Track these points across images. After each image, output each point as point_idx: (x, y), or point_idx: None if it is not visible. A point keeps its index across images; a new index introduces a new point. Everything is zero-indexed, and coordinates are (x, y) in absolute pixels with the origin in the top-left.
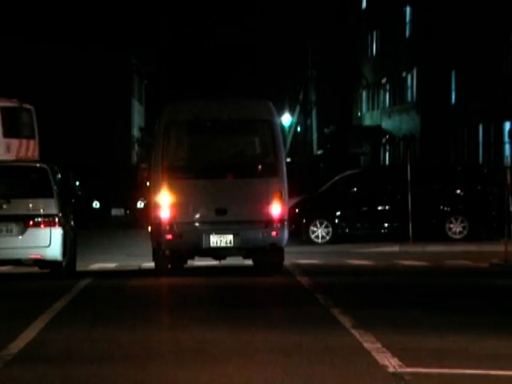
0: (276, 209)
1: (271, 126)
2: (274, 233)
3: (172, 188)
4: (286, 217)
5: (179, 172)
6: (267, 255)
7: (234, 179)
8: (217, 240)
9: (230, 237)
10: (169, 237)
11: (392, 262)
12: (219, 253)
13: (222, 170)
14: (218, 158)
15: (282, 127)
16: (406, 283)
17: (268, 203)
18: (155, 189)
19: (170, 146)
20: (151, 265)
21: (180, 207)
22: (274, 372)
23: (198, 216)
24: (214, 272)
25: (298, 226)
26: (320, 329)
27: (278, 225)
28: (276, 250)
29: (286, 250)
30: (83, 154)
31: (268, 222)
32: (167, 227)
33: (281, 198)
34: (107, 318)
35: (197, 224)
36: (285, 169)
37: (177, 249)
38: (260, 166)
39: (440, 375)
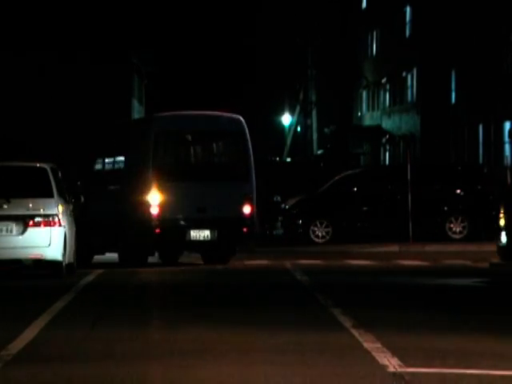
0: (247, 208)
1: (243, 138)
2: (245, 229)
3: (160, 189)
4: (254, 215)
5: (167, 175)
6: (239, 245)
7: (213, 182)
8: (196, 234)
9: (208, 232)
10: (157, 231)
11: (392, 261)
12: (198, 245)
13: (203, 174)
14: (199, 163)
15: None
16: (406, 283)
17: (240, 203)
18: (144, 189)
19: (159, 152)
20: (151, 264)
21: (167, 206)
22: (273, 372)
23: (181, 213)
24: (214, 271)
25: (298, 225)
26: (320, 329)
27: (248, 221)
28: (246, 241)
29: (286, 249)
30: None
31: (240, 220)
32: (156, 222)
33: (251, 199)
34: (107, 318)
35: (181, 220)
36: (254, 174)
37: (163, 241)
38: (234, 172)
39: (440, 375)
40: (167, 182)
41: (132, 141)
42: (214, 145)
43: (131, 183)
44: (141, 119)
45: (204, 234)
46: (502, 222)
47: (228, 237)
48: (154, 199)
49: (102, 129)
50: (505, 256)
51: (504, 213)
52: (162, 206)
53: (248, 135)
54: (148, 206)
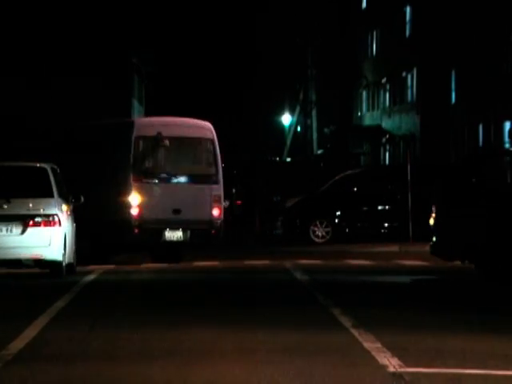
0: (215, 210)
1: (213, 143)
2: (213, 231)
3: (140, 190)
4: (222, 217)
5: (145, 177)
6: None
7: (187, 185)
8: (171, 235)
9: (180, 233)
10: (136, 231)
11: (392, 261)
12: (171, 245)
13: (178, 177)
14: (175, 167)
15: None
16: (405, 283)
17: (210, 206)
18: (124, 190)
19: (138, 155)
20: (151, 264)
21: (146, 207)
22: (273, 371)
23: (159, 214)
24: (214, 271)
25: (298, 225)
26: (320, 328)
27: (217, 223)
28: (214, 241)
29: (286, 249)
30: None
31: (209, 221)
32: (136, 223)
33: (219, 201)
34: (107, 318)
35: (158, 221)
36: (222, 178)
37: (141, 241)
38: (205, 176)
39: (440, 375)
40: (146, 184)
41: (112, 143)
42: (188, 149)
43: (111, 184)
44: (120, 123)
45: (178, 234)
46: (431, 221)
47: (198, 238)
48: (134, 200)
49: (77, 128)
50: (435, 253)
51: (435, 213)
52: (141, 207)
53: (216, 140)
54: (128, 206)
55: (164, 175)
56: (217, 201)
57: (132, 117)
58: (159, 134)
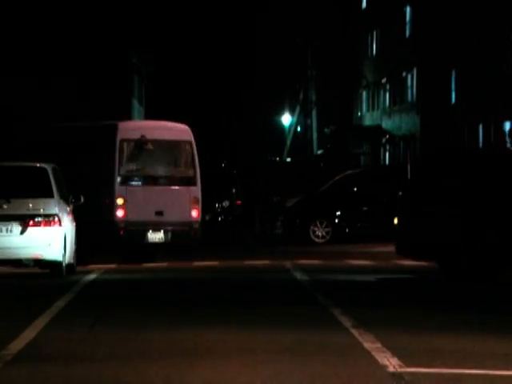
0: (194, 212)
1: (191, 146)
2: (192, 232)
3: (125, 192)
4: (200, 218)
5: (130, 180)
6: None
7: (168, 187)
8: (153, 236)
9: (162, 234)
10: (121, 232)
11: (392, 262)
12: (154, 246)
13: (160, 179)
14: (157, 169)
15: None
16: (405, 283)
17: (189, 207)
18: (109, 192)
19: (123, 157)
20: (150, 264)
21: (131, 208)
22: (274, 371)
23: (143, 216)
24: (214, 271)
25: (297, 225)
26: (320, 328)
27: (196, 225)
28: (193, 242)
29: (286, 249)
30: None
31: (188, 223)
32: (122, 224)
33: (198, 203)
34: (107, 318)
35: (142, 223)
36: (199, 179)
37: (126, 242)
38: (185, 178)
39: (440, 375)
40: (130, 186)
41: (97, 145)
42: (168, 152)
43: (97, 186)
44: (105, 125)
45: (159, 235)
46: (395, 221)
47: (178, 239)
48: (120, 202)
49: (60, 130)
50: (400, 253)
51: (399, 212)
52: (126, 209)
53: (194, 143)
54: (114, 208)
55: (147, 177)
56: (195, 202)
57: (132, 116)
58: (143, 136)
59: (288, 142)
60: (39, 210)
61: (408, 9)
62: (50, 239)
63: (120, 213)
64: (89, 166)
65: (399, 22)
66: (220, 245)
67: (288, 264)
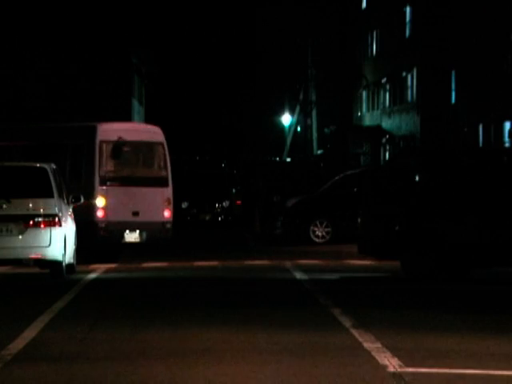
0: (167, 212)
1: (163, 147)
2: (164, 232)
3: (105, 193)
4: (171, 218)
5: (108, 180)
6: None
7: (144, 188)
8: (129, 236)
9: (137, 234)
10: (102, 232)
11: (392, 261)
12: (129, 246)
13: (136, 180)
14: (133, 170)
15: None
16: (405, 283)
17: (162, 208)
18: (89, 193)
19: (102, 159)
20: (151, 264)
21: (109, 209)
22: (274, 371)
23: (120, 216)
24: (214, 271)
25: (298, 225)
26: (320, 328)
27: (168, 225)
28: (165, 242)
29: (286, 249)
30: None
31: (161, 223)
32: (103, 225)
33: (170, 203)
34: (107, 318)
35: (120, 223)
36: (171, 180)
37: (105, 242)
38: (158, 178)
39: (440, 375)
40: (109, 187)
41: (77, 146)
42: (143, 153)
43: (77, 186)
44: (84, 126)
45: (135, 235)
46: (359, 220)
47: (152, 238)
48: (100, 203)
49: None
50: (362, 252)
51: (361, 212)
52: (105, 210)
53: (166, 144)
54: (95, 208)
55: (125, 178)
56: (168, 203)
57: (132, 116)
58: (120, 138)
59: (288, 142)
60: (39, 210)
61: (408, 9)
62: (50, 239)
63: (100, 213)
64: (68, 167)
65: (399, 21)
66: (220, 245)
67: (288, 264)
